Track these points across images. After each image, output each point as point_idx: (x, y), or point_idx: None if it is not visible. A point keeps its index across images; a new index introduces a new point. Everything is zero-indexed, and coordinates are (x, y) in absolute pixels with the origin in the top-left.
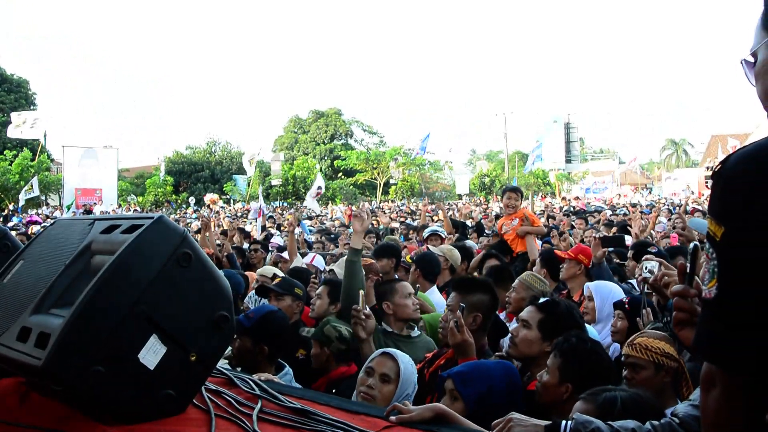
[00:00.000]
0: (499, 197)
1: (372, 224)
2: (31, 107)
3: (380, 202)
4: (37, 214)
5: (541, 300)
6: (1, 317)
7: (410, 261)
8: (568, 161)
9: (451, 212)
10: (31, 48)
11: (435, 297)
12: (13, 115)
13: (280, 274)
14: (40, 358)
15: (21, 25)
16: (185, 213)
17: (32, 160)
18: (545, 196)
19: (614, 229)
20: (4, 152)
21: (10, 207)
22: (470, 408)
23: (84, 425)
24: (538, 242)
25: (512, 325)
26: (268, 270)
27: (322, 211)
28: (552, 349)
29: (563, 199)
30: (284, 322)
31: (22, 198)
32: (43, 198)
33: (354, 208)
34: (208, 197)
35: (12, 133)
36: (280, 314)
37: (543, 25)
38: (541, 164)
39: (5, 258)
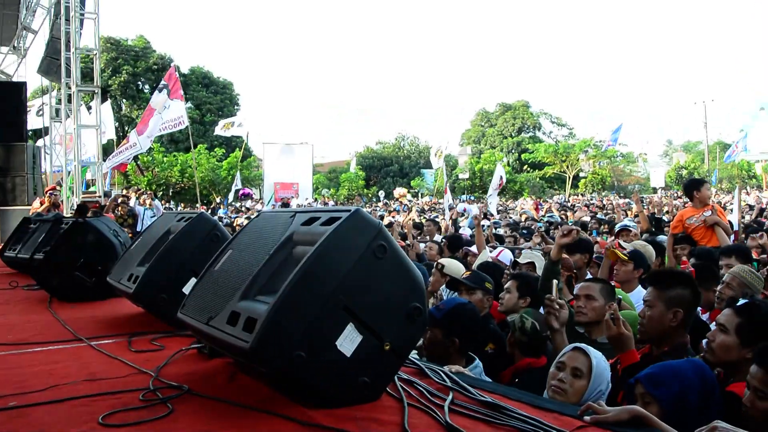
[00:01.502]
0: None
1: (561, 219)
2: (235, 107)
3: (569, 196)
4: (240, 208)
5: (741, 302)
6: (214, 301)
7: (625, 258)
8: None
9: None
10: (234, 52)
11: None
12: (218, 130)
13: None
14: (248, 341)
15: (225, 30)
16: (376, 206)
17: (242, 160)
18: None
19: None
20: (214, 149)
21: (218, 200)
22: (665, 409)
23: (286, 406)
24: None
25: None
26: (454, 264)
27: (507, 206)
28: (753, 357)
29: None
30: (474, 314)
31: (232, 194)
32: (236, 190)
33: (542, 202)
34: (398, 191)
35: (218, 131)
36: (470, 306)
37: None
38: (746, 155)
39: (216, 247)
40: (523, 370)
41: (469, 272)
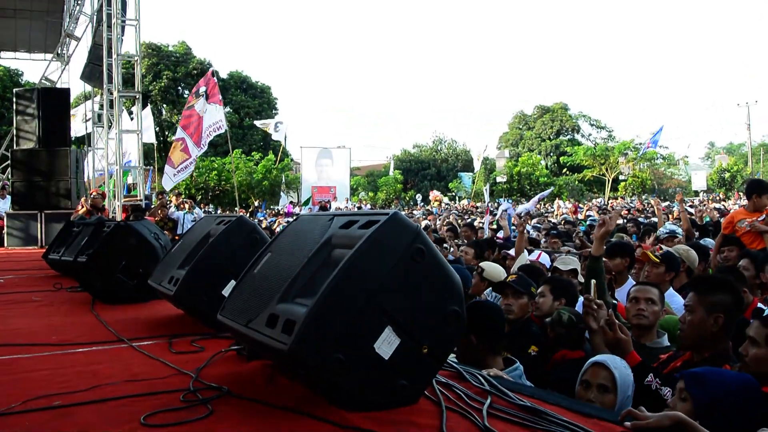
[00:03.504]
0: (741, 194)
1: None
2: (273, 111)
3: (608, 200)
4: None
5: (766, 312)
6: (253, 304)
7: (657, 260)
8: None
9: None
10: (272, 56)
11: (675, 300)
12: (257, 123)
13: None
14: (286, 343)
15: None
16: (413, 210)
17: (276, 162)
18: None
19: None
20: (252, 153)
21: (255, 203)
22: (698, 409)
23: (324, 409)
24: None
25: None
26: (494, 268)
27: (546, 209)
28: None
29: None
30: (493, 312)
31: (284, 200)
32: (282, 195)
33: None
34: (433, 195)
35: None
36: (489, 304)
37: None
38: None
39: (255, 250)
40: (558, 362)
41: (515, 276)
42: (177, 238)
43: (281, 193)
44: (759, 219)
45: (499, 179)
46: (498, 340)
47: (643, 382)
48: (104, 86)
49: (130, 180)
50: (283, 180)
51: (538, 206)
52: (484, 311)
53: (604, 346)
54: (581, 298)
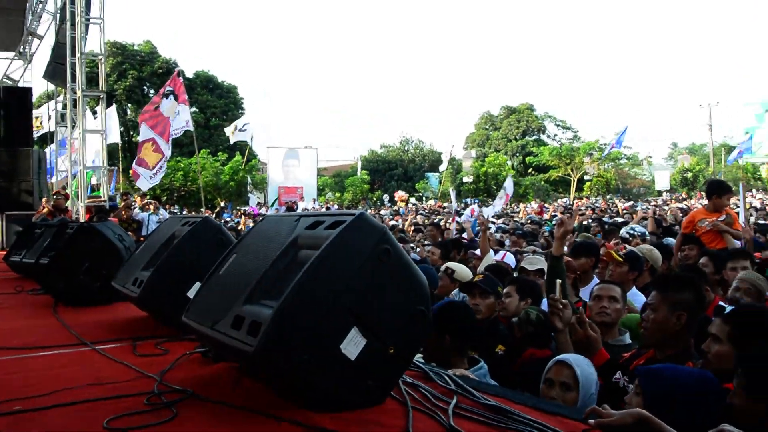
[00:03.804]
0: (703, 193)
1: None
2: (240, 111)
3: (574, 199)
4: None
5: (727, 309)
6: (218, 306)
7: (620, 259)
8: None
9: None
10: (239, 57)
11: (637, 299)
12: (227, 130)
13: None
14: (252, 345)
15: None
16: (380, 210)
17: (243, 163)
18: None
19: None
20: (218, 154)
21: (222, 204)
22: (651, 404)
23: (291, 410)
24: (737, 243)
25: None
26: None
27: (511, 210)
28: (735, 367)
29: None
30: (466, 312)
31: (253, 200)
32: (249, 196)
33: (546, 205)
34: (398, 195)
35: (231, 138)
36: (462, 305)
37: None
38: (750, 157)
39: (220, 251)
40: (526, 361)
41: (482, 276)
42: (141, 239)
43: (249, 194)
44: (719, 219)
45: (465, 179)
46: (471, 340)
47: (610, 380)
48: (68, 85)
49: (93, 180)
50: (249, 181)
51: (505, 206)
52: (458, 312)
53: (570, 345)
54: (546, 299)
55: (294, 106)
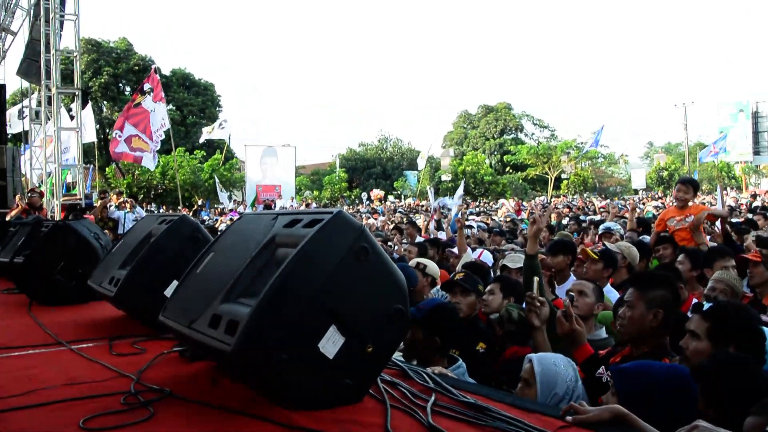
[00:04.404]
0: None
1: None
2: (217, 109)
3: (551, 198)
4: (222, 212)
5: (705, 306)
6: (195, 304)
7: (596, 256)
8: (757, 153)
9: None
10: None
11: (611, 296)
12: (204, 133)
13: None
14: (230, 344)
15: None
16: (358, 209)
17: (222, 161)
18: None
19: None
20: (194, 152)
21: (199, 202)
22: (622, 403)
23: (268, 409)
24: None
25: None
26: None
27: (490, 207)
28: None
29: (753, 195)
30: (455, 314)
31: (225, 198)
32: (228, 194)
33: (524, 203)
34: (374, 193)
35: (203, 137)
36: (451, 306)
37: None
38: (725, 156)
39: (198, 249)
40: (508, 360)
41: (463, 274)
42: (118, 237)
43: (219, 192)
44: (688, 219)
45: (444, 178)
46: (458, 340)
47: (594, 375)
48: (42, 82)
49: (69, 179)
50: (216, 180)
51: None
52: (447, 314)
53: (547, 342)
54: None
55: (283, 101)
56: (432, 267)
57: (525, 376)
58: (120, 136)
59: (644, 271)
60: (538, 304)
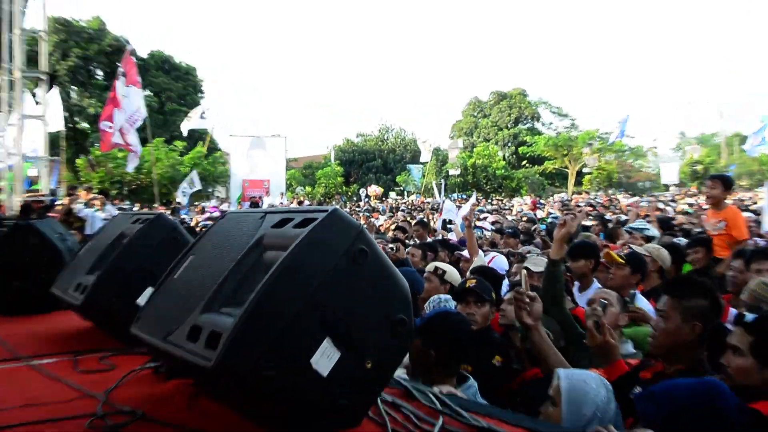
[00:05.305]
0: None
1: None
2: (199, 95)
3: (572, 194)
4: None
5: (747, 317)
6: (172, 314)
7: (621, 260)
8: None
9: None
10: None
11: (641, 304)
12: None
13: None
14: (211, 359)
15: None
16: (357, 206)
17: (207, 155)
18: None
19: None
20: (174, 142)
21: (177, 200)
22: (648, 426)
23: None
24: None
25: None
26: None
27: (505, 204)
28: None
29: None
30: (459, 325)
31: (182, 195)
32: (210, 191)
33: (541, 200)
34: (371, 189)
35: (184, 127)
36: (456, 317)
37: None
38: (765, 148)
39: (175, 252)
40: (530, 381)
41: (475, 280)
42: (86, 239)
43: (187, 184)
44: (721, 225)
45: (452, 172)
46: (460, 355)
47: (628, 395)
48: (3, 65)
49: (33, 172)
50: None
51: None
52: (449, 324)
53: (547, 342)
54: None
55: (283, 101)
56: (452, 273)
57: (552, 393)
58: (111, 127)
59: (680, 276)
60: (528, 300)
